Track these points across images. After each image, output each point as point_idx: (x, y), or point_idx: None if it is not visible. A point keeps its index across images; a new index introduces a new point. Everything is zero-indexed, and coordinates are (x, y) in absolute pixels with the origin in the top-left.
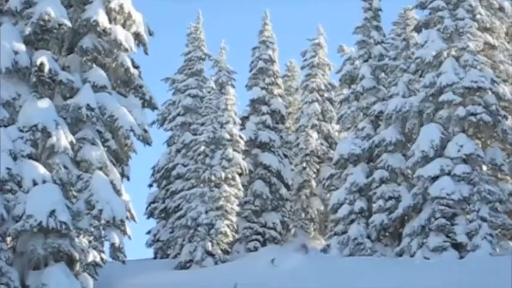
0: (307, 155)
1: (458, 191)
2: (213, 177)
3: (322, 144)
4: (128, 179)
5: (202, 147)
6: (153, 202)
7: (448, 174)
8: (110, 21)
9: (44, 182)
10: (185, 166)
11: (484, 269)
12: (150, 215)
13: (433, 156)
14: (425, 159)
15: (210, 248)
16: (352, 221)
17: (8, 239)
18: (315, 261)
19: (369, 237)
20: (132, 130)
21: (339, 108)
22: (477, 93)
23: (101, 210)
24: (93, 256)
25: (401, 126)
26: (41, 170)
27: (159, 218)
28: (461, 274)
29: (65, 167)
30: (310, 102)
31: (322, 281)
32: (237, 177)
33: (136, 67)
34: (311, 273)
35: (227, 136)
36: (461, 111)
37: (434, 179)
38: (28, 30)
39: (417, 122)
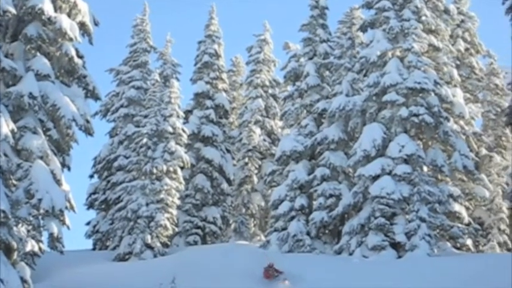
0: (249, 150)
1: (399, 191)
2: (154, 170)
3: (265, 140)
4: (69, 169)
5: (145, 140)
6: (94, 193)
7: (389, 174)
8: (55, 10)
9: None
10: (127, 158)
11: (421, 269)
12: (90, 206)
13: (375, 156)
14: (367, 159)
15: (149, 241)
16: (292, 218)
17: None
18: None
19: (308, 234)
20: (74, 120)
21: (282, 105)
22: (420, 94)
23: (40, 200)
24: (31, 245)
25: (344, 124)
26: None
27: (99, 209)
28: (399, 273)
29: (5, 155)
30: (254, 98)
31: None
32: (179, 170)
33: (80, 57)
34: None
35: (170, 129)
36: (404, 112)
37: (375, 178)
38: None
39: (360, 121)
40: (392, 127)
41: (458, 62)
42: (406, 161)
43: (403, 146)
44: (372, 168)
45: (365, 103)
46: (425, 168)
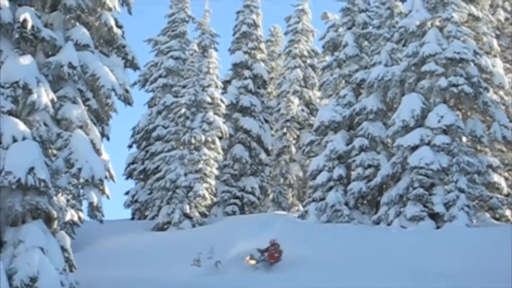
0: (287, 120)
1: (437, 162)
2: (193, 140)
3: (303, 110)
4: (108, 138)
5: (183, 110)
6: (132, 163)
7: (428, 144)
8: None
9: (23, 139)
10: (165, 128)
11: (460, 240)
12: (129, 175)
13: (414, 126)
14: (406, 129)
15: (188, 211)
16: (330, 188)
17: None
18: (293, 227)
19: (346, 204)
20: (113, 90)
21: (321, 75)
22: (459, 65)
23: (80, 169)
24: (71, 215)
25: (383, 95)
26: (21, 126)
27: (137, 179)
28: (437, 244)
29: (45, 125)
30: (293, 68)
31: (300, 247)
32: (217, 140)
33: (119, 27)
34: (290, 240)
35: (208, 99)
36: (443, 82)
37: (414, 148)
38: None
39: (399, 91)
40: (431, 97)
41: (498, 32)
42: (445, 132)
43: (442, 117)
44: (411, 138)
45: (404, 73)
46: (464, 139)
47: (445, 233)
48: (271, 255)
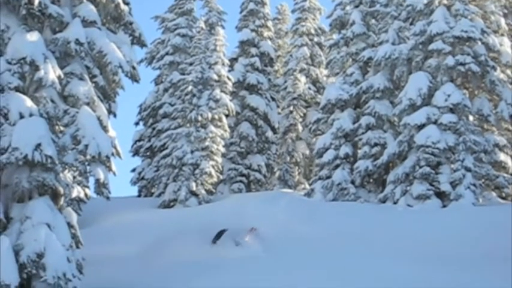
0: (294, 98)
1: (444, 140)
2: (199, 118)
3: (310, 88)
4: (115, 115)
5: (190, 87)
6: (139, 140)
7: (435, 123)
8: None
9: (30, 115)
10: (172, 105)
11: (466, 218)
12: (136, 153)
13: (420, 105)
14: (413, 107)
15: (194, 188)
16: (336, 166)
17: None
18: (299, 205)
19: (353, 182)
20: (120, 66)
21: (328, 53)
22: (467, 43)
23: (86, 146)
24: (77, 191)
25: (390, 73)
26: (28, 103)
27: (144, 157)
28: (444, 222)
29: (52, 101)
30: (300, 46)
31: (307, 225)
32: (224, 118)
33: (126, 3)
34: (295, 217)
35: (215, 77)
36: (450, 61)
37: (421, 127)
38: None
39: (406, 70)
40: (439, 76)
41: (505, 11)
42: (451, 110)
43: (449, 95)
44: (418, 117)
45: (411, 52)
46: (471, 118)
47: (451, 212)
48: None
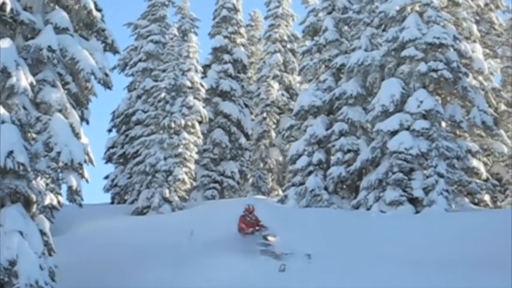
0: (267, 105)
1: (417, 146)
2: (172, 124)
3: (283, 95)
4: (88, 122)
5: (163, 94)
6: (112, 147)
7: (407, 129)
8: None
9: (2, 122)
10: (145, 112)
11: (439, 225)
12: (109, 160)
13: (393, 111)
14: (385, 114)
15: (167, 195)
16: (310, 173)
17: None
18: (273, 212)
19: (326, 189)
20: (93, 73)
21: (301, 60)
22: (439, 50)
23: (59, 153)
24: (50, 199)
25: (363, 79)
26: (0, 110)
27: (117, 163)
28: (416, 228)
29: (24, 108)
30: (273, 53)
31: (280, 231)
32: (197, 125)
33: (99, 10)
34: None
35: (188, 83)
36: (422, 67)
37: (394, 133)
38: None
39: (379, 76)
40: (411, 82)
41: (477, 17)
42: (424, 117)
43: (421, 102)
44: (390, 123)
45: (384, 58)
46: (443, 124)
47: (424, 218)
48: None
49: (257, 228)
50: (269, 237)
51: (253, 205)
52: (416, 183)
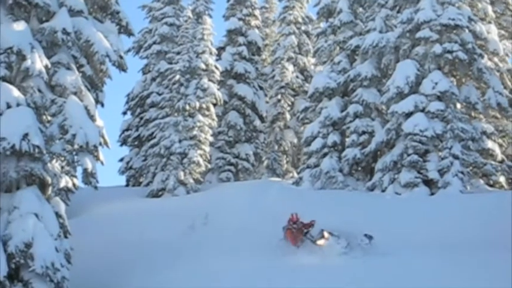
0: (282, 87)
1: (432, 128)
2: (187, 107)
3: (297, 77)
4: (102, 105)
5: (178, 76)
6: (127, 130)
7: (422, 110)
8: None
9: (18, 105)
10: (160, 95)
11: (454, 206)
12: (124, 142)
13: (408, 93)
14: (400, 95)
15: (182, 177)
16: (325, 155)
17: None
18: (288, 194)
19: (341, 171)
20: (107, 56)
21: (315, 42)
22: (454, 31)
23: (74, 135)
24: (65, 181)
25: (378, 61)
26: (15, 93)
27: (132, 146)
28: (431, 210)
29: (39, 91)
30: (287, 35)
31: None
32: (212, 107)
33: None
34: (284, 206)
35: (203, 66)
36: (437, 49)
37: (408, 115)
38: None
39: (393, 58)
40: (426, 64)
41: None
42: (439, 98)
43: (436, 83)
44: (405, 105)
45: (398, 40)
46: (458, 105)
47: (439, 200)
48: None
49: (305, 231)
50: (318, 242)
51: (296, 213)
52: (431, 165)
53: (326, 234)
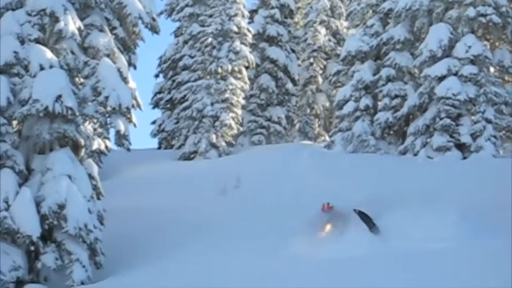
0: (314, 50)
1: (465, 92)
2: (219, 70)
3: (330, 40)
4: (135, 67)
5: (210, 39)
6: (159, 92)
7: (455, 74)
8: None
9: (51, 66)
10: (192, 57)
11: (487, 170)
12: (156, 105)
13: (441, 56)
14: (433, 59)
15: (214, 140)
16: (357, 118)
17: (14, 122)
18: (320, 157)
19: (373, 134)
20: (140, 18)
21: (348, 5)
22: None
23: (107, 97)
24: (98, 143)
25: (410, 24)
26: (48, 54)
27: (164, 109)
28: (464, 174)
29: (72, 53)
30: None
31: (326, 176)
32: (244, 70)
33: None
34: (316, 169)
35: (235, 29)
36: (471, 12)
37: (441, 79)
38: None
39: (426, 21)
40: (459, 27)
41: None
42: (472, 62)
43: (469, 47)
44: (438, 68)
45: (432, 3)
46: (492, 69)
47: (472, 164)
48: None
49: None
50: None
51: (328, 203)
52: (464, 129)
53: (328, 228)
